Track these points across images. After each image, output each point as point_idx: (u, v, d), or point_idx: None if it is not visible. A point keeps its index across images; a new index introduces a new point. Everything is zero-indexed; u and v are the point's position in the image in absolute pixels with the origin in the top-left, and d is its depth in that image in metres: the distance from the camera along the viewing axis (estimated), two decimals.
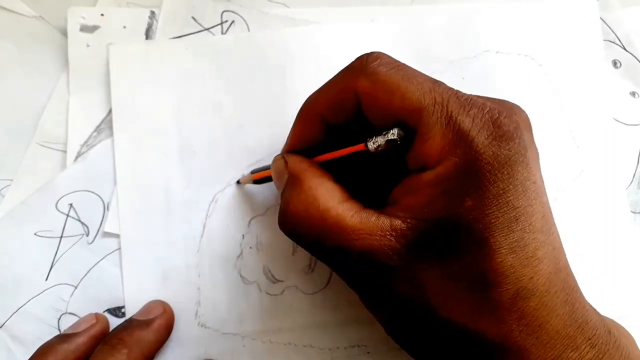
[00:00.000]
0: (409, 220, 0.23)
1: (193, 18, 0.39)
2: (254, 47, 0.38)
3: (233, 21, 0.39)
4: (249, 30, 0.39)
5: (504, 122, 0.23)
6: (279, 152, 0.36)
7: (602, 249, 0.36)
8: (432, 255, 0.22)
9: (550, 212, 0.24)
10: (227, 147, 0.36)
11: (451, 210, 0.22)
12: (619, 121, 0.38)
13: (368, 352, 0.33)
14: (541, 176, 0.24)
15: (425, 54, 0.38)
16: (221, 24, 0.39)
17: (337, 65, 0.37)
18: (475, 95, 0.25)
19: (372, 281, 0.24)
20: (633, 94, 0.39)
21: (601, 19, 0.39)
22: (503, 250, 0.21)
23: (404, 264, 0.23)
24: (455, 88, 0.25)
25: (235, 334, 0.33)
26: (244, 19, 0.39)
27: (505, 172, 0.22)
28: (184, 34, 0.39)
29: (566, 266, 0.24)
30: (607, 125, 0.38)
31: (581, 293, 0.24)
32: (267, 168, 0.32)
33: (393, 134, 0.24)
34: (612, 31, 0.39)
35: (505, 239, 0.21)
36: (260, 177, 0.33)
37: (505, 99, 0.36)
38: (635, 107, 0.38)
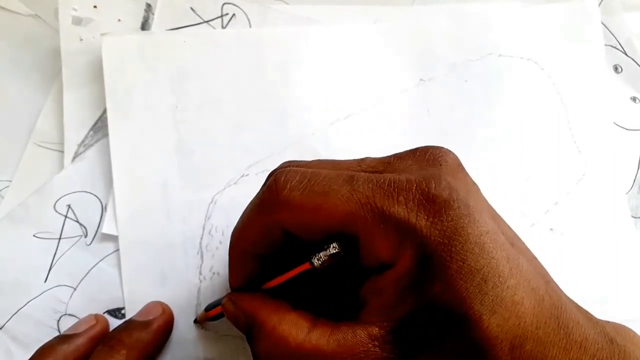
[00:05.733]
0: (385, 324, 0.22)
1: (192, 9, 0.38)
2: (255, 44, 0.37)
3: (234, 14, 0.38)
4: (250, 24, 0.38)
5: (437, 194, 0.22)
6: (278, 153, 0.36)
7: (603, 253, 0.36)
8: (423, 349, 0.22)
9: (513, 243, 0.24)
10: (226, 147, 0.36)
11: (423, 301, 0.22)
12: (619, 126, 0.38)
13: None
14: (489, 212, 0.24)
15: (428, 57, 0.38)
16: (221, 16, 0.38)
17: (338, 66, 0.37)
18: (395, 160, 0.25)
19: None
20: (634, 99, 0.39)
21: (603, 23, 0.39)
22: (485, 317, 0.21)
23: None
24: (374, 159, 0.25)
25: (234, 336, 0.33)
26: (245, 13, 0.38)
27: (458, 243, 0.21)
28: (182, 25, 0.38)
29: (547, 290, 0.23)
30: (608, 130, 0.38)
31: (571, 308, 0.23)
32: (220, 303, 0.31)
33: (335, 247, 0.24)
34: (614, 36, 0.39)
35: (482, 305, 0.21)
36: (215, 313, 0.31)
37: (504, 104, 0.37)
38: (635, 112, 0.39)
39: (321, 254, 0.24)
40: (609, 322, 0.25)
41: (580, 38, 0.38)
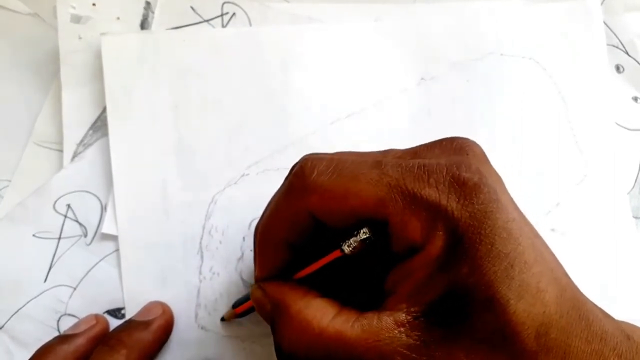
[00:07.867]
0: (412, 310, 0.22)
1: (192, 8, 0.38)
2: (256, 43, 0.37)
3: (234, 13, 0.38)
4: (250, 23, 0.38)
5: (467, 177, 0.22)
6: (279, 152, 0.36)
7: (605, 254, 0.36)
8: (449, 335, 0.22)
9: (536, 234, 0.24)
10: (226, 147, 0.35)
11: (451, 284, 0.22)
12: (621, 126, 0.38)
13: None
14: (513, 202, 0.24)
15: (429, 56, 0.37)
16: (221, 15, 0.38)
17: (339, 65, 0.37)
18: (421, 150, 0.25)
19: None
20: (635, 99, 0.39)
21: (604, 23, 0.39)
22: (511, 301, 0.21)
23: (426, 358, 0.22)
24: (402, 149, 0.25)
25: (235, 336, 0.33)
26: (245, 12, 0.38)
27: (487, 227, 0.22)
28: (182, 24, 0.37)
29: (568, 281, 0.23)
30: (610, 130, 0.38)
31: (591, 302, 0.24)
32: (247, 299, 0.31)
33: (365, 232, 0.24)
34: (616, 36, 0.39)
35: (509, 289, 0.21)
36: (242, 309, 0.31)
37: (505, 103, 0.37)
38: (637, 112, 0.39)
39: (351, 240, 0.24)
40: (622, 321, 0.25)
41: (582, 38, 0.38)
